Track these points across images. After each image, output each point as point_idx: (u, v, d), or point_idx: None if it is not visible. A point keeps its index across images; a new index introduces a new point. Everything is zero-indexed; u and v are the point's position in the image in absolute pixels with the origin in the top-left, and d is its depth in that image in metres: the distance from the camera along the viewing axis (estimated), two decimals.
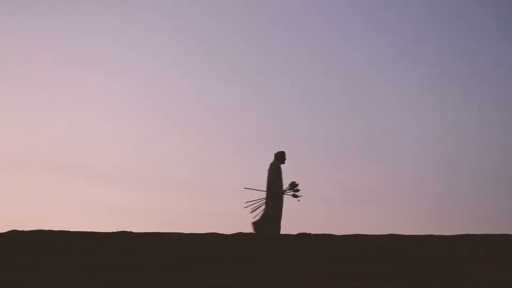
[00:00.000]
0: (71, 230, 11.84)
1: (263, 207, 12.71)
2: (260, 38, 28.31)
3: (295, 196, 12.68)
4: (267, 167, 12.86)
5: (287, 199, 12.76)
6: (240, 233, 12.05)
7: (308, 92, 28.36)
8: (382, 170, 26.45)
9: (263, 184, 12.82)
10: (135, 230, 12.15)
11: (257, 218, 12.59)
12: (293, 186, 12.73)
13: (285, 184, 12.79)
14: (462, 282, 6.98)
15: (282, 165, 12.86)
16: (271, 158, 12.93)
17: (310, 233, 12.34)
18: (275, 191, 12.59)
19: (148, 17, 27.35)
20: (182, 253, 9.45)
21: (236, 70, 28.18)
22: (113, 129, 27.16)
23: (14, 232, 11.50)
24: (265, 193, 12.79)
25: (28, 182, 24.72)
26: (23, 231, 11.58)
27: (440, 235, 11.70)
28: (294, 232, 12.50)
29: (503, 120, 26.80)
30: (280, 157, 12.84)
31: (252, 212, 12.76)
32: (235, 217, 23.75)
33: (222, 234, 12.04)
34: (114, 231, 12.01)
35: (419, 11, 27.90)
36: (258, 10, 27.66)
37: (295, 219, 12.75)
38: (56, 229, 11.84)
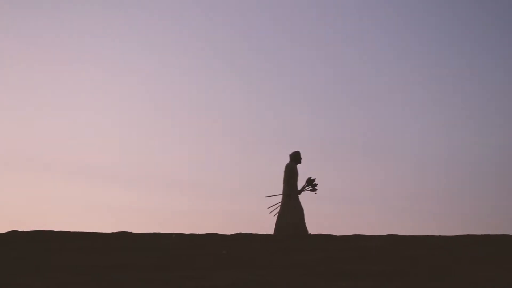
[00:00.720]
0: (71, 230, 11.85)
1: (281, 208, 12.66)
2: (261, 38, 28.33)
3: (313, 190, 12.68)
4: (283, 168, 12.76)
5: (305, 197, 12.71)
6: (240, 233, 12.05)
7: (308, 92, 28.38)
8: (382, 170, 26.47)
9: (276, 185, 12.79)
10: (135, 230, 12.17)
11: (278, 221, 12.48)
12: (310, 182, 12.72)
13: (301, 183, 12.72)
14: (462, 282, 6.98)
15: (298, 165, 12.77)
16: (274, 158, 12.93)
17: (310, 233, 12.34)
18: (289, 193, 12.51)
19: (149, 17, 27.37)
20: (182, 253, 9.45)
21: (237, 70, 28.21)
22: (113, 129, 27.18)
23: (14, 232, 11.50)
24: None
25: (28, 182, 24.73)
26: (23, 231, 11.59)
27: (440, 235, 11.70)
28: None
29: (503, 121, 26.84)
30: (295, 158, 12.77)
31: (275, 215, 12.74)
32: (235, 217, 23.76)
33: (222, 234, 12.04)
34: (114, 231, 12.02)
35: (423, 11, 27.92)
36: (261, 10, 27.69)
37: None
38: (56, 229, 11.85)
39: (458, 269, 7.81)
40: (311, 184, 12.73)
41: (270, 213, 12.75)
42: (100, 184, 25.06)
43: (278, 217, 12.45)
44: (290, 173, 12.65)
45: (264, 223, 12.74)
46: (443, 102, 27.76)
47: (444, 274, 7.49)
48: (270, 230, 12.50)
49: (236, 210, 24.12)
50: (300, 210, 12.50)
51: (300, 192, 12.65)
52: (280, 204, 12.70)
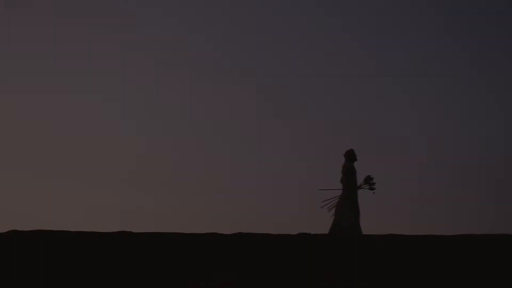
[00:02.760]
0: (71, 230, 11.84)
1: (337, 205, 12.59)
2: (265, 38, 28.37)
3: (371, 189, 12.54)
4: (340, 169, 12.66)
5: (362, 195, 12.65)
6: (240, 233, 12.05)
7: (309, 92, 28.40)
8: (382, 170, 26.44)
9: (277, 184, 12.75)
10: (135, 230, 12.16)
11: (335, 220, 12.40)
12: (368, 180, 12.58)
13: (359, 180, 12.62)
14: (462, 282, 6.98)
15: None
16: (275, 158, 12.90)
17: (310, 233, 12.32)
18: (350, 192, 12.41)
19: (151, 17, 27.40)
20: (182, 253, 9.45)
21: (239, 69, 28.23)
22: (113, 128, 27.20)
23: (14, 232, 11.50)
24: (340, 192, 12.61)
25: (28, 182, 24.76)
26: (23, 231, 11.58)
27: (440, 235, 11.70)
28: (294, 232, 12.50)
29: (503, 120, 26.86)
30: (351, 156, 12.63)
31: (329, 211, 12.65)
32: (235, 217, 23.77)
33: (222, 234, 12.04)
34: (114, 231, 12.02)
35: (426, 11, 27.95)
36: (263, 10, 27.73)
37: (295, 219, 12.71)
38: (56, 229, 11.85)
39: (458, 269, 7.81)
40: (368, 182, 12.57)
41: (322, 207, 12.61)
42: (100, 184, 25.08)
43: (335, 217, 12.34)
44: (350, 173, 12.50)
45: (264, 223, 12.75)
46: (442, 102, 27.81)
47: (444, 274, 7.49)
48: (270, 230, 12.50)
49: (235, 210, 24.15)
50: (357, 211, 12.38)
51: (357, 189, 12.50)
52: (335, 200, 12.60)
